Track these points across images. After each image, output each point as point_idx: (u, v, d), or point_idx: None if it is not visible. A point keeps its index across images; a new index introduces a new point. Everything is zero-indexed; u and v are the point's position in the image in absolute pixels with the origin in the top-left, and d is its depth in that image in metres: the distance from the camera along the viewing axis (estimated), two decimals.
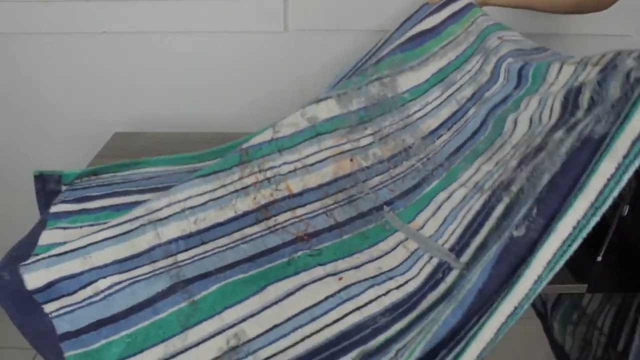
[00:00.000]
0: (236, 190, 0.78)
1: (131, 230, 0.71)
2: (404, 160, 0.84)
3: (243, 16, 1.10)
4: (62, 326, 0.63)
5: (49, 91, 1.19)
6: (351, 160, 0.84)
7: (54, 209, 0.79)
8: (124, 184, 0.86)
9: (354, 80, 0.87)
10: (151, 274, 0.69)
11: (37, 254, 0.67)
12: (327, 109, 0.85)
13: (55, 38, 1.13)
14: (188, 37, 1.13)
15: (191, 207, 0.75)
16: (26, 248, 0.71)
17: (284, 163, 0.82)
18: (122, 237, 0.70)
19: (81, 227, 0.76)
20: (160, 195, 0.75)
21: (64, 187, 0.86)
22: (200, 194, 0.76)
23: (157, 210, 0.73)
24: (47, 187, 0.85)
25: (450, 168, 0.78)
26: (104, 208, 0.79)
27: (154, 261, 0.70)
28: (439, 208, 0.76)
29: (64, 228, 0.75)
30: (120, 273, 0.67)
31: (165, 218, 0.73)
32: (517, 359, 1.31)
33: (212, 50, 1.15)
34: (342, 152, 0.84)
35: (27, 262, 0.65)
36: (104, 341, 0.63)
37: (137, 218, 0.72)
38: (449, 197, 0.76)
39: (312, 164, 0.83)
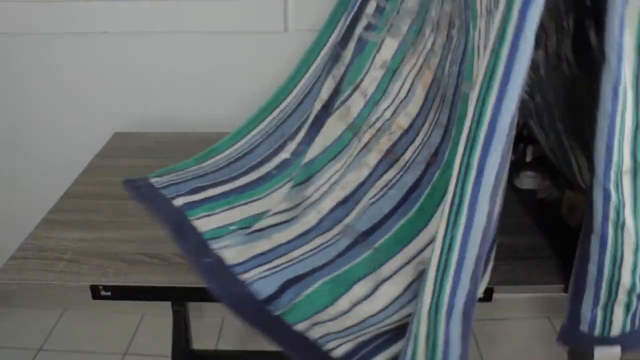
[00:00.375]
0: (360, 151, 0.85)
1: (296, 216, 0.80)
2: (452, 29, 0.84)
3: (243, 16, 1.10)
4: (260, 291, 0.68)
5: (49, 91, 1.19)
6: (429, 68, 0.87)
7: (178, 202, 0.83)
8: (218, 171, 0.92)
9: (389, 9, 0.90)
10: (333, 239, 0.76)
11: (210, 238, 0.76)
12: (389, 48, 0.89)
13: (56, 38, 1.13)
14: (188, 37, 1.13)
15: (335, 182, 0.84)
16: (191, 239, 0.76)
17: (384, 109, 0.87)
18: (291, 221, 0.79)
19: (222, 211, 0.82)
20: (306, 185, 0.85)
21: (156, 184, 0.89)
22: (338, 170, 0.85)
23: (309, 197, 0.83)
24: (138, 184, 0.89)
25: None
26: (226, 193, 0.86)
27: (329, 230, 0.78)
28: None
29: (208, 215, 0.81)
30: (307, 243, 0.75)
31: (318, 199, 0.82)
32: (518, 358, 1.31)
33: (212, 50, 1.15)
34: (420, 68, 0.87)
35: (219, 244, 0.74)
36: (308, 291, 0.68)
37: (297, 205, 0.81)
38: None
39: (406, 96, 0.87)
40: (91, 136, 1.11)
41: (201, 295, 0.70)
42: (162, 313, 1.20)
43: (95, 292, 0.69)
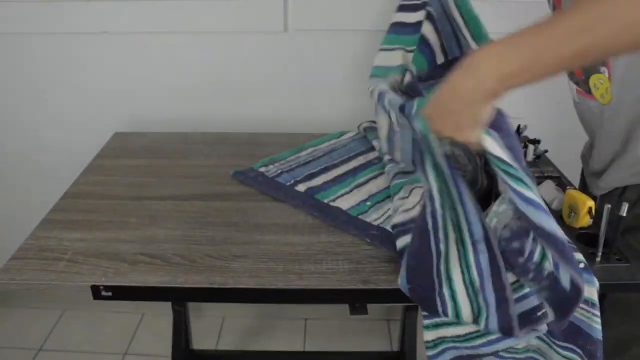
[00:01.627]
0: None
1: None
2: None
3: (243, 16, 1.10)
4: None
5: (49, 91, 1.19)
6: None
7: (300, 188, 0.89)
8: (317, 160, 0.99)
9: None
10: None
11: (359, 214, 0.83)
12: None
13: (56, 38, 1.13)
14: (188, 37, 1.13)
15: None
16: (340, 216, 0.83)
17: None
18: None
19: (352, 189, 0.90)
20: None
21: (267, 173, 0.94)
22: None
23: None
24: (251, 174, 0.94)
25: None
26: (341, 176, 0.93)
27: None
28: None
29: (340, 196, 0.88)
30: None
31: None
32: None
33: (212, 50, 1.15)
34: None
35: (371, 217, 0.82)
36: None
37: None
38: None
39: None
40: (91, 136, 1.11)
41: (201, 295, 0.70)
42: (162, 313, 1.21)
43: (96, 292, 0.68)
